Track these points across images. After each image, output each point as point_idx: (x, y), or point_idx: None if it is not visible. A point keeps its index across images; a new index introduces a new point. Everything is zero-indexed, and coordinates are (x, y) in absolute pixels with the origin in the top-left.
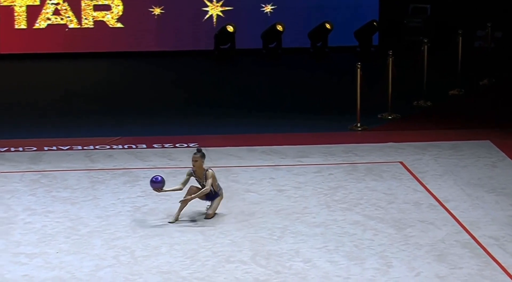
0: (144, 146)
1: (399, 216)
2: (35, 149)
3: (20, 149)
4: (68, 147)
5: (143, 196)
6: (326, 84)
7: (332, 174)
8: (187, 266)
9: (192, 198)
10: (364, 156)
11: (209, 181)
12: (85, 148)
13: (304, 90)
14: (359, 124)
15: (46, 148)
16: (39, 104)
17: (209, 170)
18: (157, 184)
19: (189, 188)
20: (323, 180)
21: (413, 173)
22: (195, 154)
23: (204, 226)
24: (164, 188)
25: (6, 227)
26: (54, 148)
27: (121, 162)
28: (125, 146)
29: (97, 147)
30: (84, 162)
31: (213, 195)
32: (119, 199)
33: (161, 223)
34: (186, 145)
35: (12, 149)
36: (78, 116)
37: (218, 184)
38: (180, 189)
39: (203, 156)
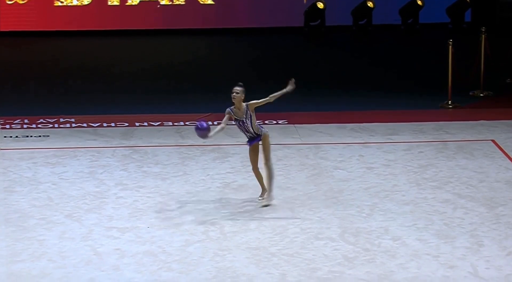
0: (233, 122)
1: (491, 194)
2: (127, 124)
3: (112, 124)
4: (159, 122)
5: (232, 172)
6: (417, 61)
7: (422, 152)
8: (276, 242)
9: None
10: (455, 133)
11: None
12: (175, 124)
13: (395, 67)
14: (450, 102)
15: (137, 124)
16: (130, 81)
17: (250, 103)
18: (203, 131)
19: (251, 156)
20: (413, 157)
21: (505, 151)
22: (236, 87)
23: (293, 203)
24: (210, 134)
25: (98, 202)
26: (145, 123)
27: (211, 138)
28: (215, 122)
29: (187, 123)
30: (174, 137)
31: (255, 137)
32: (208, 175)
33: (250, 199)
34: (275, 122)
35: (105, 124)
36: (168, 93)
37: (257, 124)
38: (223, 128)
39: (243, 91)
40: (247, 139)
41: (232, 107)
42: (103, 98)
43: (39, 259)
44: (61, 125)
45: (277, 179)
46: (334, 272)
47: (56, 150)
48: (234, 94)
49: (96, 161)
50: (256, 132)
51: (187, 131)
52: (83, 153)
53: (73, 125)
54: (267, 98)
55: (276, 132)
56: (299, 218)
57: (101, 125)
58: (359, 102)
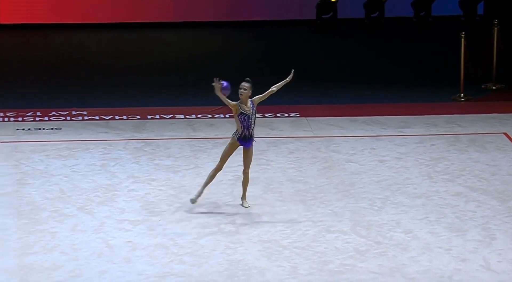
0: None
1: (503, 187)
2: (138, 117)
3: (124, 117)
4: (171, 115)
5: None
6: (429, 54)
7: (434, 145)
8: (287, 235)
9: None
10: (467, 126)
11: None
12: (187, 116)
13: (407, 60)
14: (462, 95)
15: (149, 117)
16: (142, 73)
17: (254, 99)
18: (226, 91)
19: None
20: (425, 150)
21: None
22: (244, 83)
23: (304, 196)
24: (221, 94)
25: (110, 194)
26: (157, 116)
27: (223, 131)
28: (227, 115)
29: (199, 115)
30: (186, 130)
31: (249, 139)
32: None
33: (262, 192)
34: (287, 115)
35: (117, 117)
36: (180, 85)
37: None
38: (228, 103)
39: (251, 87)
40: (238, 136)
41: (239, 101)
42: (115, 91)
43: (51, 252)
44: (73, 118)
45: (289, 172)
46: (346, 265)
47: (68, 143)
48: (241, 90)
49: (108, 153)
50: (253, 134)
51: (199, 125)
52: (95, 145)
53: (85, 118)
54: (270, 90)
55: (288, 125)
56: (311, 211)
57: (113, 118)
58: (371, 95)
